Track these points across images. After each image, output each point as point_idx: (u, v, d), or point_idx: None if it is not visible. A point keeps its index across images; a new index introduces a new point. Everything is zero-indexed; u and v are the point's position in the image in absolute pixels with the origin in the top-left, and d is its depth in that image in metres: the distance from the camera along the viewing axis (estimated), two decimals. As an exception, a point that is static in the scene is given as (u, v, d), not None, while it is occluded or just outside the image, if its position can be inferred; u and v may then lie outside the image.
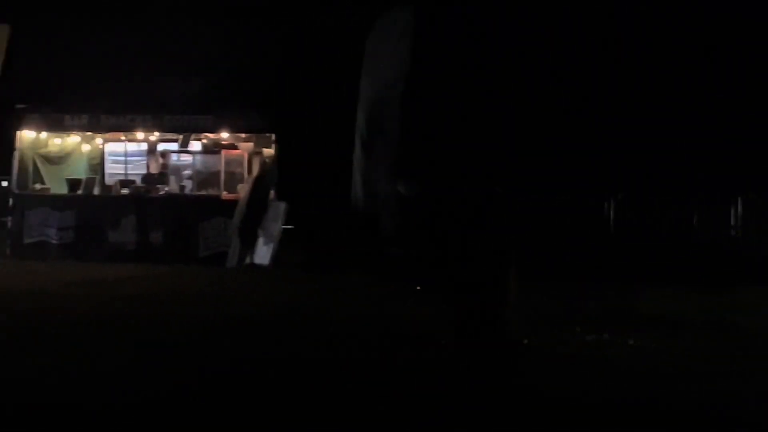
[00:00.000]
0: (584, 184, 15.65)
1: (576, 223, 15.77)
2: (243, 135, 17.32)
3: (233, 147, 17.48)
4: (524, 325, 9.46)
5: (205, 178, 17.37)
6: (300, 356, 8.71)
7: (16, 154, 17.57)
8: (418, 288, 13.28)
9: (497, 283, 9.08)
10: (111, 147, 18.60)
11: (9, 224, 17.38)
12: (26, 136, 17.72)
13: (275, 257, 15.63)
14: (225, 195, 16.85)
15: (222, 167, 17.23)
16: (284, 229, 15.83)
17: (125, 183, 17.56)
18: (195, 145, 17.65)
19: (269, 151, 16.81)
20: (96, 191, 17.61)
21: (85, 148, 18.84)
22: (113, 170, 18.40)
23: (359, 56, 13.36)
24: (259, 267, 15.63)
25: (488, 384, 7.71)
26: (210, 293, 13.03)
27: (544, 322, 10.58)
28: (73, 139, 18.54)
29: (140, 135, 17.71)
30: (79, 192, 17.44)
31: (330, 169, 16.19)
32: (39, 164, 18.09)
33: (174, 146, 17.71)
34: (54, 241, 17.01)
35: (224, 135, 17.18)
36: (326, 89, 18.13)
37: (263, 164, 16.59)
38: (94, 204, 17.17)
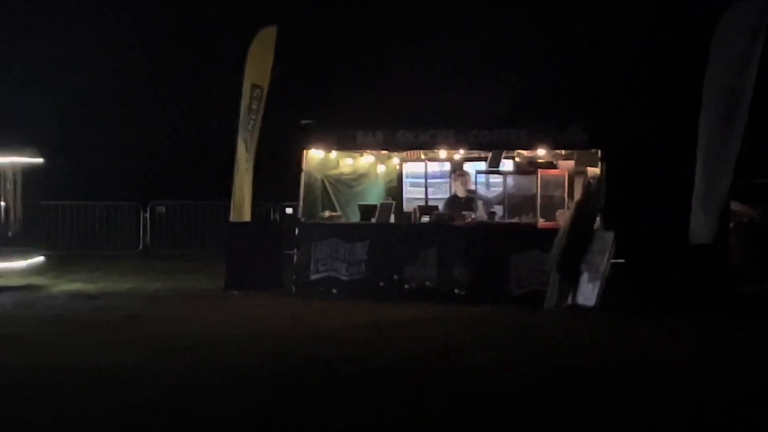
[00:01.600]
0: None
1: None
2: (563, 152, 17.90)
3: (551, 166, 18.00)
4: None
5: (518, 203, 17.85)
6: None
7: (302, 177, 18.97)
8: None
9: None
10: (409, 167, 19.85)
11: (294, 258, 18.90)
12: (313, 155, 19.19)
13: (602, 297, 16.05)
14: (542, 223, 17.39)
15: (538, 190, 17.61)
16: (613, 263, 16.18)
17: (425, 209, 18.56)
18: (506, 164, 18.36)
19: (594, 171, 17.20)
20: (392, 219, 18.74)
21: (380, 168, 20.29)
22: (412, 194, 19.60)
23: (703, 57, 13.84)
24: (583, 308, 16.13)
25: None
26: (524, 339, 13.89)
27: None
28: (366, 159, 20.02)
29: (443, 153, 18.80)
30: (373, 220, 18.65)
31: (668, 192, 16.65)
32: (328, 188, 19.64)
33: (482, 166, 18.54)
34: (344, 277, 18.32)
35: (540, 152, 17.80)
36: (663, 95, 18.60)
37: (587, 186, 17.02)
38: (389, 234, 18.28)
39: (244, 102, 20.38)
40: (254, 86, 20.46)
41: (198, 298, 18.66)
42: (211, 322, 15.54)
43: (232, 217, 20.51)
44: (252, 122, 20.50)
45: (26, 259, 19.85)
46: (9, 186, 20.07)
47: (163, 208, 28.08)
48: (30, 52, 31.14)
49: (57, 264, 22.76)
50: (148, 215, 28.08)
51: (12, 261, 19.53)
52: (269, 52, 20.70)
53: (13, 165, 20.08)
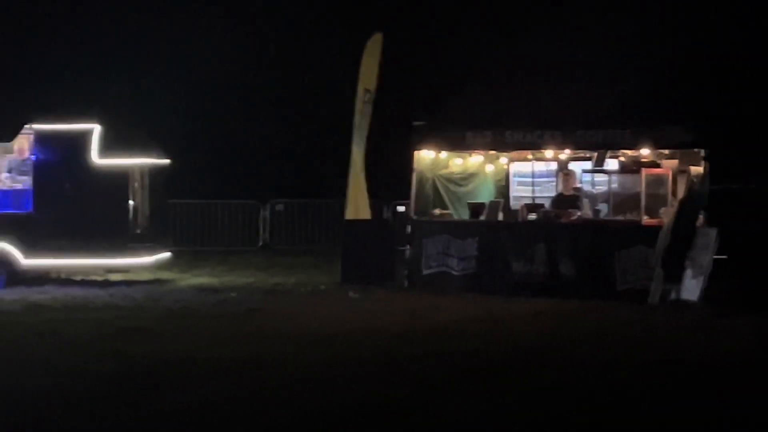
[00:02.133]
0: None
1: None
2: (666, 151, 17.98)
3: (655, 165, 18.11)
4: None
5: (622, 201, 18.10)
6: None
7: (414, 176, 19.42)
8: None
9: None
10: (517, 167, 20.15)
11: (406, 254, 19.37)
12: (424, 156, 19.63)
13: (705, 293, 16.14)
14: (646, 220, 17.53)
15: (642, 188, 17.79)
16: (716, 259, 16.21)
17: (532, 207, 18.87)
18: (611, 163, 18.49)
19: (697, 169, 17.34)
20: (500, 216, 19.00)
21: (489, 168, 20.62)
22: (519, 193, 19.92)
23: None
24: (687, 304, 16.22)
25: None
26: (629, 333, 14.06)
27: None
28: (475, 159, 20.37)
29: (549, 153, 19.03)
30: (482, 217, 19.00)
31: (769, 189, 16.60)
32: (439, 187, 20.05)
33: (587, 165, 18.74)
34: (455, 272, 18.73)
35: (644, 151, 17.89)
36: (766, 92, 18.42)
37: (690, 184, 17.15)
38: (498, 231, 18.59)
39: (358, 105, 20.88)
40: (366, 90, 20.98)
41: (316, 292, 19.02)
42: (328, 315, 15.84)
43: (347, 215, 20.88)
44: (363, 124, 20.98)
45: (154, 254, 20.17)
46: (137, 186, 20.36)
47: (281, 206, 28.38)
48: (156, 59, 31.76)
49: (182, 259, 23.14)
50: (267, 213, 28.38)
51: (140, 257, 19.82)
52: (377, 57, 21.22)
53: (141, 166, 20.38)
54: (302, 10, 31.67)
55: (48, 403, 10.21)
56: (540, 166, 19.82)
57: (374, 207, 21.83)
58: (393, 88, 22.05)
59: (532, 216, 18.66)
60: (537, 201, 19.34)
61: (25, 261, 19.41)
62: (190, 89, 31.09)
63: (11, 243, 19.37)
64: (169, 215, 25.45)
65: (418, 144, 19.51)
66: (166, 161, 20.98)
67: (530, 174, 19.93)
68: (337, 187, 22.57)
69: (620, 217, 18.00)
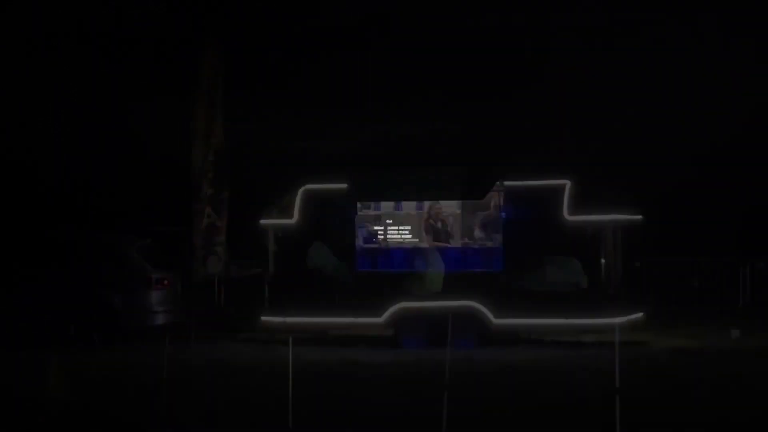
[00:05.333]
0: None
1: None
2: None
3: None
4: None
5: None
6: None
7: None
8: None
9: None
10: None
11: None
12: None
13: None
14: None
15: None
16: None
17: None
18: None
19: None
20: None
21: None
22: None
23: None
24: None
25: None
26: None
27: None
28: None
29: None
30: None
31: None
32: None
33: None
34: None
35: None
36: None
37: None
38: None
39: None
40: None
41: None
42: None
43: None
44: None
45: (627, 315, 20.11)
46: (609, 243, 20.55)
47: (764, 264, 27.88)
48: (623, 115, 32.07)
49: (657, 320, 22.89)
50: (748, 271, 27.96)
51: (614, 317, 19.48)
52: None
53: (613, 222, 20.53)
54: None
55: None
56: None
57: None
58: None
59: None
60: None
61: (495, 321, 19.96)
62: (665, 143, 31.31)
63: (481, 302, 19.93)
64: (643, 273, 26.21)
65: None
66: (639, 217, 21.03)
67: None
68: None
69: None
